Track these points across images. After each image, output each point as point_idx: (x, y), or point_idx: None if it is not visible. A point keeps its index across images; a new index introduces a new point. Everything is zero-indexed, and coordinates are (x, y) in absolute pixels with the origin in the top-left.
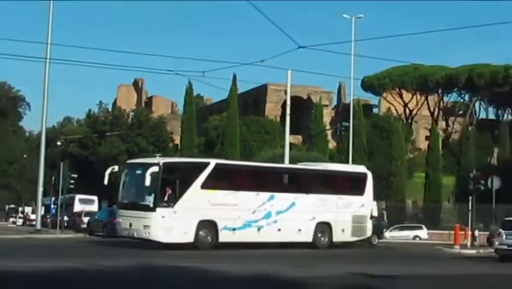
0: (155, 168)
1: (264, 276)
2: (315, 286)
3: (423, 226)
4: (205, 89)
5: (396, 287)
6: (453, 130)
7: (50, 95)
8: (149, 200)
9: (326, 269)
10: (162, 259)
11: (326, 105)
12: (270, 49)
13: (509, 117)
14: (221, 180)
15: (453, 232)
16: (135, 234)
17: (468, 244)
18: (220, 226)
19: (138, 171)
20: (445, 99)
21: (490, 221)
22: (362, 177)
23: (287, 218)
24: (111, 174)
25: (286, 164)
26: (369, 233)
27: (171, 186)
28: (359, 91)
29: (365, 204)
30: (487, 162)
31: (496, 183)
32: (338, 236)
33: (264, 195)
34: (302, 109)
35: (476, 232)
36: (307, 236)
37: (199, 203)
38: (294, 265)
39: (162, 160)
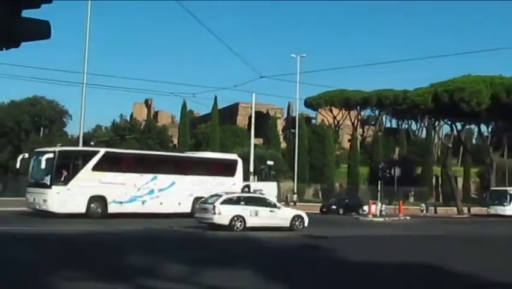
0: (51, 155)
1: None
2: (267, 243)
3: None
4: (195, 106)
5: (330, 244)
6: (367, 135)
7: (86, 109)
8: (46, 179)
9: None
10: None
11: (279, 117)
12: (241, 77)
13: (406, 126)
14: (110, 164)
15: (367, 206)
16: (37, 207)
17: (378, 214)
18: (109, 200)
19: (40, 157)
20: (362, 113)
21: (393, 198)
22: (233, 163)
23: (168, 194)
24: (22, 159)
25: (167, 152)
26: None
27: (67, 168)
28: (302, 108)
29: (236, 183)
30: (390, 157)
31: (397, 172)
32: None
33: (148, 176)
34: (263, 120)
35: (383, 206)
36: (186, 208)
37: (90, 182)
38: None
39: (58, 149)
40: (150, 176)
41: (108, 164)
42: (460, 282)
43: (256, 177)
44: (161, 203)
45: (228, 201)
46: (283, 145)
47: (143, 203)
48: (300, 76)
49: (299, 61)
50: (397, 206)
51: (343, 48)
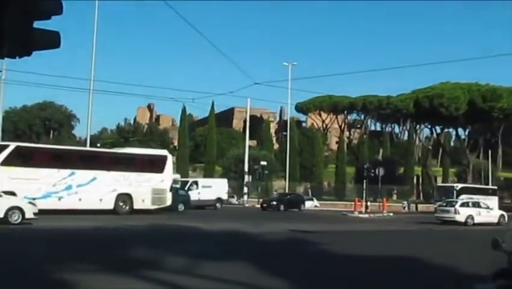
0: None
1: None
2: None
3: (314, 198)
4: (194, 110)
5: (320, 238)
6: (354, 138)
7: (92, 113)
8: None
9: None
10: None
11: (272, 121)
12: (237, 83)
13: (389, 129)
14: (22, 159)
15: (353, 203)
16: None
17: (363, 210)
18: (18, 196)
19: None
20: (348, 117)
21: (377, 196)
22: (162, 159)
23: (88, 190)
24: None
25: (86, 147)
26: (169, 202)
27: None
28: (293, 112)
29: (165, 179)
30: (375, 158)
31: (381, 171)
32: (139, 205)
33: (65, 171)
34: (257, 124)
35: (368, 203)
36: (108, 205)
37: None
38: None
39: None
40: (68, 171)
41: (20, 159)
42: (436, 272)
43: (251, 176)
44: (80, 200)
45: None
46: (275, 146)
47: (59, 199)
48: (291, 83)
49: (291, 69)
50: (381, 204)
51: (332, 56)
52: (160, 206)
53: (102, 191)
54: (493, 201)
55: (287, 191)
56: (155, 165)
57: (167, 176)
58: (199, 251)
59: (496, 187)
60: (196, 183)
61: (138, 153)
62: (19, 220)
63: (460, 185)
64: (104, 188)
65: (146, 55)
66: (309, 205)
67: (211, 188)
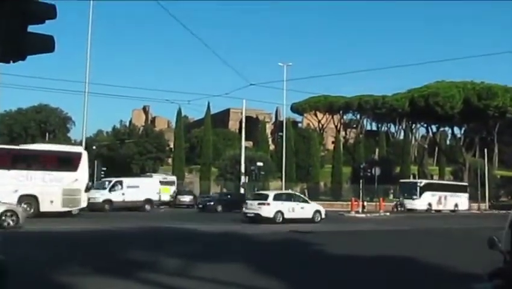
0: None
1: None
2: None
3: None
4: (189, 111)
5: (319, 239)
6: (350, 138)
7: (88, 116)
8: None
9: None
10: None
11: (268, 122)
12: (232, 84)
13: (385, 128)
14: None
15: (349, 202)
16: None
17: (360, 210)
18: None
19: None
20: (344, 117)
21: (374, 196)
22: (75, 156)
23: None
24: None
25: None
26: (83, 204)
27: None
28: (289, 112)
29: (79, 179)
30: (371, 157)
31: (377, 171)
32: (46, 207)
33: None
34: (253, 125)
35: (365, 203)
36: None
37: None
38: None
39: None
40: None
41: None
42: (431, 272)
43: (247, 177)
44: None
45: None
46: (271, 147)
47: None
48: (287, 83)
49: (286, 69)
50: (377, 203)
51: (327, 57)
52: (73, 208)
53: (1, 192)
54: (463, 198)
55: (283, 190)
56: (67, 163)
57: (82, 175)
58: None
59: (466, 184)
60: (120, 182)
61: (46, 149)
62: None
63: (424, 181)
64: (3, 188)
65: (141, 57)
66: None
67: (139, 188)
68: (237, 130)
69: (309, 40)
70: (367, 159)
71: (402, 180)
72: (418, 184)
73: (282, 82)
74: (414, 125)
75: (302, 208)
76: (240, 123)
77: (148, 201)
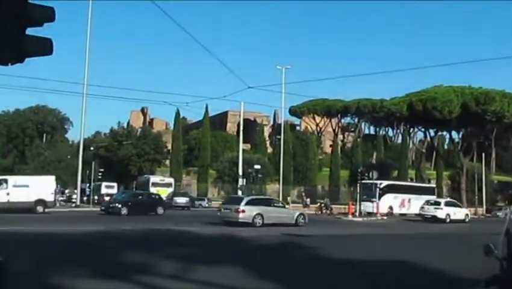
0: None
1: None
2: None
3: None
4: (187, 113)
5: (317, 243)
6: (347, 141)
7: (85, 116)
8: None
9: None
10: None
11: (266, 125)
12: (230, 87)
13: (383, 132)
14: None
15: (347, 206)
16: None
17: (357, 214)
18: None
19: None
20: (342, 121)
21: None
22: None
23: None
24: None
25: None
26: None
27: None
28: (287, 115)
29: None
30: (369, 161)
31: (374, 175)
32: None
33: None
34: (251, 127)
35: (362, 207)
36: None
37: None
38: None
39: None
40: None
41: None
42: (428, 277)
43: (245, 180)
44: None
45: None
46: (269, 150)
47: None
48: (285, 86)
49: (284, 72)
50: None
51: (326, 60)
52: None
53: None
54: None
55: (280, 196)
56: None
57: None
58: None
59: (433, 185)
60: (4, 181)
61: None
62: None
63: (385, 182)
64: None
65: (139, 59)
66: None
67: (29, 188)
68: (235, 133)
69: (308, 43)
70: (364, 162)
71: (362, 182)
72: (378, 185)
73: (281, 85)
74: (412, 129)
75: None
76: (238, 125)
77: (40, 202)
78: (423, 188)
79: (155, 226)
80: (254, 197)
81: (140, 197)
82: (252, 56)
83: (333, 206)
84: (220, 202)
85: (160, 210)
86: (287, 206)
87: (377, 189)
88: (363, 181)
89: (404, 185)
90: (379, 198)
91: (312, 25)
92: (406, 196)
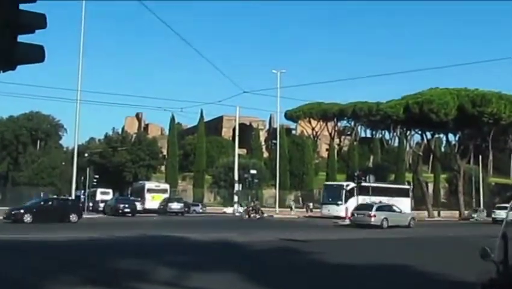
0: None
1: None
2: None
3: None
4: (182, 119)
5: (311, 248)
6: (344, 145)
7: (79, 122)
8: None
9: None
10: None
11: (262, 129)
12: (225, 92)
13: (379, 136)
14: None
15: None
16: None
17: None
18: None
19: None
20: (338, 124)
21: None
22: None
23: None
24: None
25: None
26: None
27: None
28: (283, 120)
29: None
30: (366, 165)
31: (371, 178)
32: None
33: None
34: (246, 132)
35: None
36: None
37: None
38: None
39: None
40: None
41: None
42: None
43: (241, 185)
44: None
45: None
46: (265, 155)
47: None
48: (280, 91)
49: (279, 76)
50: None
51: (321, 64)
52: None
53: None
54: (404, 203)
55: (276, 201)
56: None
57: None
58: None
59: (408, 187)
60: None
61: None
62: None
63: (351, 184)
64: None
65: (134, 65)
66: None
67: None
68: (231, 138)
69: (303, 47)
70: (361, 166)
71: (326, 183)
72: (344, 187)
73: (276, 90)
74: (408, 132)
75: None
76: (234, 130)
77: None
78: (397, 189)
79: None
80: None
81: (50, 202)
82: (247, 60)
83: None
84: (216, 206)
85: (74, 217)
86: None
87: (344, 191)
88: (327, 183)
89: (374, 187)
90: (346, 201)
91: (308, 29)
92: (376, 199)
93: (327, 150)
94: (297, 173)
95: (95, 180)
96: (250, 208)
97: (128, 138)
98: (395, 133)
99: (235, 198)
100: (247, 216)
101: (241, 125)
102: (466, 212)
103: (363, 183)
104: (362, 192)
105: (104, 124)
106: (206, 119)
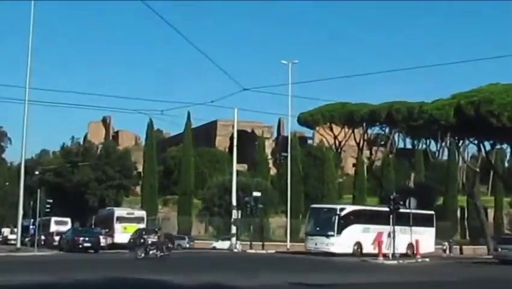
0: None
1: None
2: None
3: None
4: (163, 124)
5: None
6: (376, 158)
7: (28, 130)
8: None
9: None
10: None
11: (268, 138)
12: (219, 90)
13: (424, 146)
14: None
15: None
16: None
17: (390, 255)
18: None
19: None
20: (369, 131)
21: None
22: None
23: None
24: None
25: None
26: None
27: None
28: (295, 125)
29: None
30: (405, 185)
31: (412, 203)
32: None
33: None
34: (247, 141)
35: (397, 245)
36: None
37: None
38: None
39: None
40: None
41: None
42: None
43: (240, 212)
44: None
45: None
46: (272, 171)
47: None
48: (292, 87)
49: (291, 69)
50: (414, 246)
51: (344, 53)
52: None
53: None
54: (426, 235)
55: (287, 232)
56: None
57: None
58: None
59: (431, 213)
60: None
61: None
62: None
63: (349, 207)
64: None
65: (99, 57)
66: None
67: None
68: (227, 149)
69: (321, 33)
70: (399, 187)
71: (312, 206)
72: (338, 212)
73: (286, 86)
74: (461, 142)
75: None
76: (231, 139)
77: None
78: (416, 216)
79: None
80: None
81: None
82: (247, 49)
83: None
84: (208, 240)
85: None
86: None
87: (337, 217)
88: (315, 206)
89: (381, 212)
90: (339, 232)
91: (325, 10)
92: (383, 228)
93: (354, 165)
94: (315, 195)
95: (48, 205)
96: (461, 244)
97: (91, 149)
98: (443, 144)
99: (233, 229)
100: (142, 254)
101: (241, 132)
102: None
103: (361, 207)
104: (359, 219)
105: (61, 133)
106: (194, 125)
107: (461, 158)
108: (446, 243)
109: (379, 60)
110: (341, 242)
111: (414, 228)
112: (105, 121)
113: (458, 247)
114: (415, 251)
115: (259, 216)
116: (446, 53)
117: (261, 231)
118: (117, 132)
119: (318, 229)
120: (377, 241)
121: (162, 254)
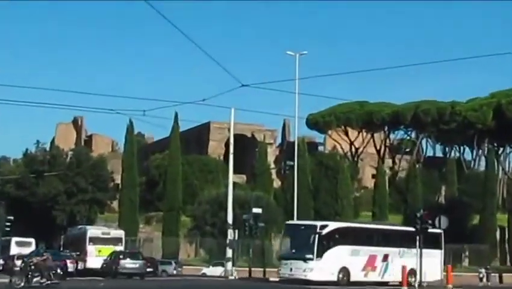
0: None
1: None
2: None
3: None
4: (146, 127)
5: None
6: (400, 168)
7: None
8: None
9: None
10: None
11: (270, 143)
12: (213, 87)
13: (457, 154)
14: None
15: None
16: None
17: (416, 284)
18: None
19: None
20: (391, 136)
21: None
22: None
23: None
24: None
25: None
26: None
27: None
28: (304, 128)
29: None
30: (434, 200)
31: (443, 222)
32: None
33: None
34: (246, 148)
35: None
36: None
37: None
38: None
39: None
40: None
41: None
42: None
43: (237, 231)
44: None
45: None
46: (276, 184)
47: None
48: (300, 84)
49: (298, 61)
50: (444, 273)
51: (362, 43)
52: None
53: None
54: (432, 259)
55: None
56: None
57: None
58: None
59: (439, 231)
60: None
61: None
62: None
63: (332, 224)
64: None
65: (69, 50)
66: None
67: None
68: (221, 157)
69: (333, 18)
70: (427, 202)
71: (287, 223)
72: (318, 230)
73: (293, 82)
74: (501, 149)
75: None
76: (226, 145)
77: None
78: (405, 235)
79: None
80: None
81: None
82: (246, 39)
83: None
84: (199, 266)
85: None
86: None
87: (316, 237)
88: (290, 222)
89: (373, 229)
90: (320, 255)
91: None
92: (377, 250)
93: (373, 176)
94: (327, 213)
95: (8, 223)
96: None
97: (60, 157)
98: (480, 151)
99: (228, 252)
100: (21, 283)
101: (238, 137)
102: None
103: (345, 224)
104: (347, 239)
105: (23, 137)
106: (183, 127)
107: (501, 169)
108: (483, 270)
109: (403, 53)
110: (322, 268)
111: (414, 250)
112: (76, 123)
113: (497, 274)
114: (421, 278)
115: (259, 237)
116: (482, 45)
117: (262, 255)
118: (90, 136)
119: (294, 251)
120: (403, 268)
121: (48, 282)
